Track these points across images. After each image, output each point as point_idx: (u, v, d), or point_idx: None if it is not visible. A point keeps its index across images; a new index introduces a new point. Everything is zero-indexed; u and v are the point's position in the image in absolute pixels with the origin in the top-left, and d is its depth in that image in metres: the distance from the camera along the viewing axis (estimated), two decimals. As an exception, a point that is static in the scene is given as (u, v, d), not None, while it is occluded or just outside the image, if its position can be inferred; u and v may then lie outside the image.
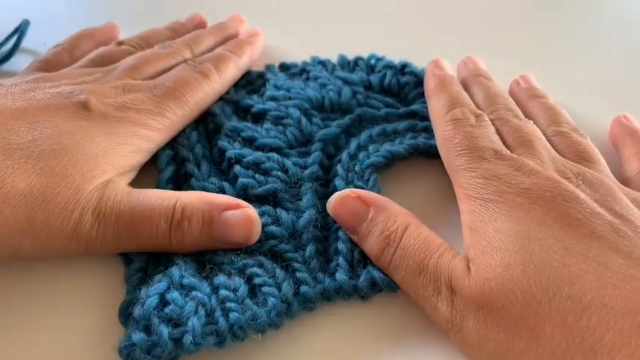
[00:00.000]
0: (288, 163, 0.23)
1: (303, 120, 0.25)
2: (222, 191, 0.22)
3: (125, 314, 0.18)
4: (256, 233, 0.20)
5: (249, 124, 0.25)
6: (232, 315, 0.17)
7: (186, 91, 0.24)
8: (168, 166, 0.23)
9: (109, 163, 0.20)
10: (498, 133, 0.22)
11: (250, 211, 0.20)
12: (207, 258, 0.20)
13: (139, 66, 0.25)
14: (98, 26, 0.31)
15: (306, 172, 0.23)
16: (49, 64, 0.27)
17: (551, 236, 0.16)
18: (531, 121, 0.23)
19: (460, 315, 0.17)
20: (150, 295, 0.17)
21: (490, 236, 0.17)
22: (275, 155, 0.23)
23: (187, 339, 0.16)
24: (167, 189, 0.22)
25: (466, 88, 0.27)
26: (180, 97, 0.24)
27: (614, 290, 0.15)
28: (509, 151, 0.21)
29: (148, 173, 0.23)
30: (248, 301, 0.18)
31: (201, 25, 0.32)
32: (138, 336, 0.16)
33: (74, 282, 0.20)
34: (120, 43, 0.28)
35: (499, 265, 0.16)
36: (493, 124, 0.23)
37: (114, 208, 0.19)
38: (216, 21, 0.32)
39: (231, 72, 0.27)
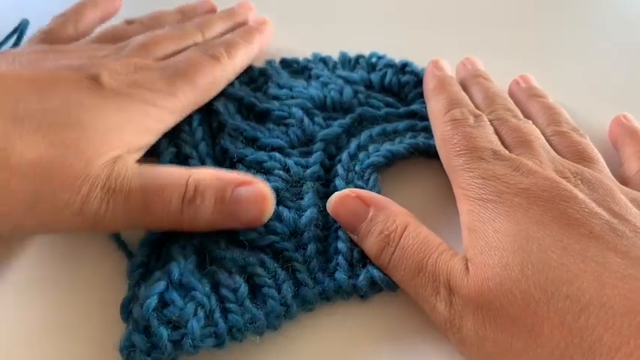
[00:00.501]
0: (289, 162, 0.23)
1: (306, 120, 0.25)
2: None
3: (127, 310, 0.18)
4: (269, 211, 0.19)
5: (252, 124, 0.25)
6: (231, 317, 0.17)
7: (197, 74, 0.23)
8: (171, 164, 0.23)
9: (119, 140, 0.20)
10: (497, 133, 0.22)
11: (263, 186, 0.19)
12: (208, 252, 0.20)
13: (150, 45, 0.25)
14: None
15: (308, 171, 0.23)
16: (54, 35, 0.26)
17: (549, 236, 0.16)
18: (530, 121, 0.23)
19: (459, 315, 0.17)
20: (149, 295, 0.17)
21: (488, 236, 0.17)
22: (277, 155, 0.23)
23: (187, 341, 0.16)
24: None
25: (465, 88, 0.27)
26: (192, 79, 0.23)
27: (613, 290, 0.15)
28: (507, 151, 0.21)
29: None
30: (247, 303, 0.18)
31: (211, 10, 0.31)
32: (137, 337, 0.17)
33: (76, 277, 0.20)
34: (130, 22, 0.28)
35: (497, 265, 0.16)
36: (492, 124, 0.23)
37: (125, 183, 0.18)
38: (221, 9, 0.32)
39: (241, 58, 0.27)
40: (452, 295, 0.17)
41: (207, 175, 0.19)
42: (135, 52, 0.24)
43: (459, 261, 0.18)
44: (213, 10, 0.32)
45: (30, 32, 0.32)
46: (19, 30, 0.31)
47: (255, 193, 0.19)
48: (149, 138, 0.22)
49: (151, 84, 0.22)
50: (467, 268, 0.17)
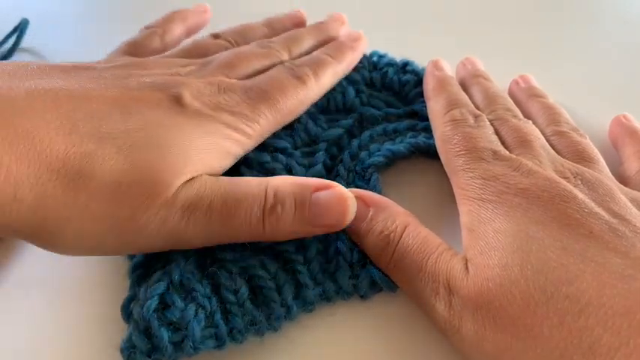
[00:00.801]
0: (292, 163, 0.23)
1: (310, 123, 0.25)
2: None
3: (128, 310, 0.18)
4: (351, 213, 0.19)
5: None
6: (232, 318, 0.18)
7: (281, 97, 0.23)
8: None
9: (199, 162, 0.19)
10: (497, 133, 0.22)
11: (343, 190, 0.19)
12: (209, 253, 0.19)
13: (235, 63, 0.24)
14: (189, 9, 0.29)
15: (310, 171, 0.23)
16: (140, 48, 0.26)
17: (549, 236, 0.16)
18: (530, 121, 0.23)
19: (458, 315, 0.17)
20: (149, 296, 0.17)
21: (488, 236, 0.17)
22: (280, 155, 0.23)
23: (187, 343, 0.16)
24: None
25: (465, 88, 0.27)
26: (275, 103, 0.22)
27: (612, 290, 0.15)
28: (507, 152, 0.21)
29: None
30: (248, 304, 0.18)
31: (300, 23, 0.30)
32: (138, 339, 0.17)
33: (77, 276, 0.20)
34: (216, 37, 0.27)
35: (497, 265, 0.16)
36: (492, 124, 0.23)
37: (206, 196, 0.18)
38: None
39: (329, 79, 0.25)
40: (451, 296, 0.17)
41: (285, 182, 0.19)
42: (219, 70, 0.23)
43: (459, 261, 0.18)
44: (302, 23, 0.30)
45: (30, 32, 0.32)
46: (19, 30, 0.31)
47: (335, 196, 0.19)
48: (228, 162, 0.21)
49: (234, 107, 0.21)
50: (466, 268, 0.17)
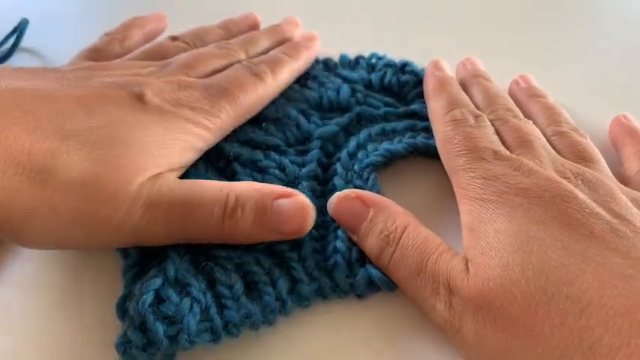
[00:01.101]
0: (285, 161, 0.23)
1: (301, 119, 0.25)
2: None
3: (122, 309, 0.18)
4: (310, 222, 0.19)
5: (246, 127, 0.25)
6: (227, 312, 0.18)
7: (240, 93, 0.23)
8: None
9: (162, 158, 0.20)
10: (498, 133, 0.22)
11: (304, 199, 0.19)
12: (204, 251, 0.20)
13: (194, 63, 0.25)
14: (147, 16, 0.30)
15: (304, 170, 0.23)
16: (100, 53, 0.26)
17: (550, 236, 0.16)
18: (531, 121, 0.23)
19: (458, 315, 0.17)
20: (145, 291, 0.17)
21: (489, 236, 0.17)
22: (273, 153, 0.23)
23: (182, 337, 0.16)
24: None
25: (465, 88, 0.27)
26: (235, 98, 0.23)
27: (613, 290, 0.14)
28: (508, 152, 0.21)
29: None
30: (243, 298, 0.18)
31: (254, 25, 0.31)
32: (133, 333, 0.17)
33: (72, 276, 0.20)
34: (174, 39, 0.28)
35: (498, 266, 0.16)
36: (492, 124, 0.23)
37: (166, 196, 0.19)
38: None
39: (286, 76, 0.26)
40: (452, 296, 0.17)
41: (247, 187, 0.19)
42: (179, 70, 0.24)
43: (459, 261, 0.18)
44: (256, 26, 0.31)
45: (30, 32, 0.32)
46: (19, 29, 0.31)
47: (296, 204, 0.19)
48: (190, 156, 0.22)
49: (194, 102, 0.22)
50: (467, 268, 0.17)
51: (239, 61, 0.26)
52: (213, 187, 0.19)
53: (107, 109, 0.20)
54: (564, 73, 0.31)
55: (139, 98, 0.21)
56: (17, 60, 0.31)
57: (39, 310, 0.19)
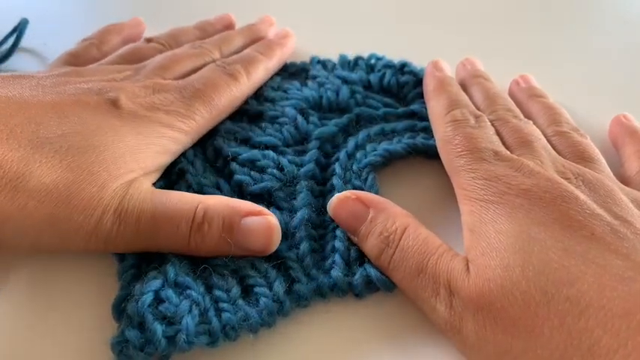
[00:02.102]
0: (283, 161, 0.23)
1: (299, 118, 0.25)
2: (217, 187, 0.22)
3: (118, 310, 0.18)
4: (275, 242, 0.19)
5: (245, 125, 0.25)
6: (225, 315, 0.18)
7: (214, 94, 0.24)
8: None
9: (135, 163, 0.20)
10: (498, 133, 0.22)
11: (272, 219, 0.19)
12: (201, 259, 0.19)
13: (169, 65, 0.25)
14: (125, 22, 0.31)
15: (302, 170, 0.23)
16: (78, 58, 0.27)
17: (551, 237, 0.16)
18: (531, 122, 0.23)
19: (459, 316, 0.17)
20: (144, 292, 0.17)
21: (490, 237, 0.17)
22: (271, 153, 0.23)
23: (181, 337, 0.16)
24: (160, 184, 0.22)
25: (465, 89, 0.27)
26: (209, 100, 0.23)
27: (612, 292, 0.15)
28: (509, 152, 0.21)
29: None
30: (240, 302, 0.18)
31: (230, 25, 0.32)
32: (131, 332, 0.17)
33: (67, 277, 0.20)
34: (149, 41, 0.28)
35: (498, 266, 0.16)
36: (493, 124, 0.23)
37: (136, 207, 0.19)
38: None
39: (260, 75, 0.27)
40: (452, 297, 0.17)
41: (218, 202, 0.20)
42: (153, 73, 0.24)
43: (460, 262, 0.18)
44: (231, 26, 0.32)
45: (30, 32, 0.32)
46: (19, 29, 0.31)
47: (263, 224, 0.19)
48: (165, 159, 0.22)
49: (168, 105, 0.22)
50: (467, 269, 0.17)
51: (213, 61, 0.26)
52: (183, 199, 0.20)
53: (81, 115, 0.20)
54: (564, 73, 0.31)
55: (114, 103, 0.21)
56: (17, 60, 0.31)
57: (35, 312, 0.19)
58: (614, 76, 0.31)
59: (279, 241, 0.20)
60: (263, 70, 0.27)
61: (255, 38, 0.30)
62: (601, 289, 0.15)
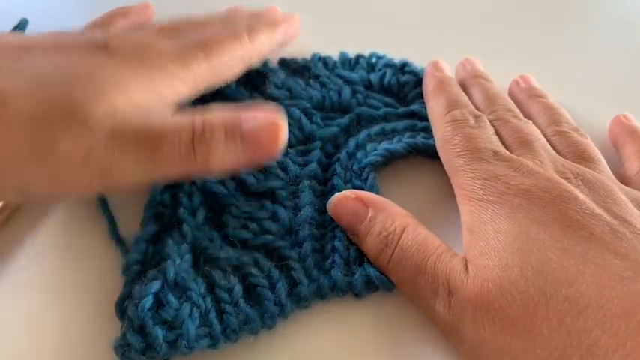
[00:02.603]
0: (286, 161, 0.23)
1: (304, 120, 0.25)
2: (222, 184, 0.22)
3: (122, 308, 0.18)
4: (283, 137, 0.18)
5: None
6: (226, 318, 0.18)
7: (215, 46, 0.22)
8: None
9: (123, 96, 0.18)
10: (497, 133, 0.22)
11: (272, 114, 0.18)
12: (203, 250, 0.20)
13: (168, 29, 0.23)
14: (132, 5, 0.28)
15: (305, 170, 0.23)
16: None
17: (549, 237, 0.16)
18: (531, 122, 0.23)
19: (457, 316, 0.17)
20: (144, 295, 0.17)
21: (489, 237, 0.17)
22: None
23: (181, 342, 0.17)
24: (162, 182, 0.22)
25: (465, 89, 0.27)
26: (208, 51, 0.21)
27: (611, 292, 0.15)
28: (508, 152, 0.21)
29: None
30: (242, 303, 0.18)
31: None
32: (132, 337, 0.17)
33: (71, 275, 0.20)
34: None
35: (497, 266, 0.16)
36: (492, 124, 0.23)
37: (130, 130, 0.17)
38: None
39: (264, 42, 0.25)
40: (451, 297, 0.17)
41: (214, 110, 0.18)
42: (154, 32, 0.23)
43: (459, 262, 0.18)
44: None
45: (30, 32, 0.32)
46: (19, 29, 0.31)
47: (266, 119, 0.18)
48: (158, 102, 0.19)
49: (162, 48, 0.20)
50: (466, 269, 0.17)
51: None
52: (177, 114, 0.18)
53: (68, 53, 0.19)
54: (564, 73, 0.31)
55: (103, 47, 0.20)
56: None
57: (38, 310, 0.19)
58: (614, 76, 0.31)
59: (286, 136, 0.18)
60: (267, 38, 0.25)
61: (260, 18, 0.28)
62: (600, 289, 0.15)
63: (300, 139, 0.24)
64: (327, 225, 0.21)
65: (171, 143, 0.17)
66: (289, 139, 0.24)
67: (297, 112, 0.25)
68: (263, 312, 0.18)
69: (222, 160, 0.18)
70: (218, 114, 0.18)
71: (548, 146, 0.22)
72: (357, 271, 0.20)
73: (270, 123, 0.18)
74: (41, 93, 0.17)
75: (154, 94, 0.19)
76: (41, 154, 0.16)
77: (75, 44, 0.20)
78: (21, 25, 0.32)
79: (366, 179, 0.23)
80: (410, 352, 0.18)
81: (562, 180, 0.19)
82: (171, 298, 0.17)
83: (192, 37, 0.22)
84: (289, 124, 0.25)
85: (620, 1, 0.38)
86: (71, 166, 0.17)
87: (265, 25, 0.26)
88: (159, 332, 0.16)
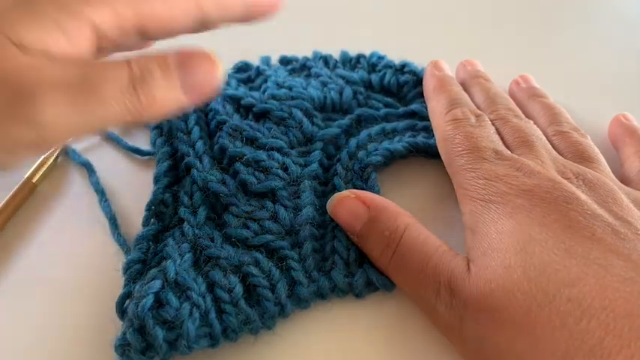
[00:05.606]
0: (288, 161, 0.23)
1: (305, 121, 0.25)
2: (224, 183, 0.22)
3: (122, 307, 0.18)
4: (219, 70, 0.17)
5: (252, 124, 0.25)
6: (226, 318, 0.18)
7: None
8: (164, 162, 0.23)
9: (15, 35, 0.15)
10: (498, 133, 0.22)
11: (206, 49, 0.17)
12: (203, 250, 0.19)
13: None
14: None
15: (306, 170, 0.23)
16: None
17: (552, 238, 0.16)
18: (531, 121, 0.23)
19: (459, 317, 0.17)
20: (144, 294, 0.17)
21: (491, 237, 0.17)
22: (276, 154, 0.23)
23: (181, 342, 0.16)
24: (164, 181, 0.22)
25: (465, 89, 0.27)
26: None
27: (614, 293, 0.15)
28: (509, 152, 0.21)
29: (146, 171, 0.23)
30: (242, 303, 0.18)
31: None
32: (133, 336, 0.17)
33: (72, 274, 0.20)
34: None
35: (499, 267, 0.16)
36: (493, 124, 0.23)
37: (56, 71, 0.15)
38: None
39: None
40: (452, 297, 0.17)
41: (143, 53, 0.17)
42: None
43: (460, 262, 0.18)
44: None
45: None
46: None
47: (198, 51, 0.17)
48: (67, 43, 0.16)
49: None
50: (468, 269, 0.17)
51: None
52: (110, 60, 0.16)
53: None
54: (564, 73, 0.31)
55: None
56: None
57: (39, 309, 0.19)
58: (614, 76, 0.31)
59: (222, 71, 0.17)
60: None
61: None
62: (603, 290, 0.15)
63: (301, 140, 0.24)
64: (326, 225, 0.21)
65: (112, 87, 0.15)
66: (291, 140, 0.24)
67: (298, 113, 0.25)
68: (263, 312, 0.18)
69: (166, 100, 0.16)
70: (152, 55, 0.17)
71: (549, 146, 0.22)
72: (357, 273, 0.19)
73: (201, 52, 0.17)
74: None
75: (56, 25, 0.16)
76: None
77: None
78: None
79: (367, 179, 0.23)
80: (410, 352, 0.18)
81: (563, 180, 0.19)
82: (171, 297, 0.17)
83: None
84: (291, 125, 0.25)
85: (620, 1, 0.38)
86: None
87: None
88: (159, 332, 0.16)
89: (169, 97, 0.17)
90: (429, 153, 0.24)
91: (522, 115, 0.24)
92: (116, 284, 0.19)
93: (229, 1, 0.20)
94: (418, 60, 0.29)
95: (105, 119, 0.16)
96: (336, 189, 0.22)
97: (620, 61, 0.32)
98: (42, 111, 0.15)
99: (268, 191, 0.22)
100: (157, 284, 0.18)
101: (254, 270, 0.19)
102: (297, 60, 0.30)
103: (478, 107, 0.25)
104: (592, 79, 0.31)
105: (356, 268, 0.20)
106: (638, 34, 0.35)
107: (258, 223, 0.21)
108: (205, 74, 0.17)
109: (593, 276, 0.15)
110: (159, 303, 0.17)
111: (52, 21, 0.16)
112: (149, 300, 0.17)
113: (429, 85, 0.26)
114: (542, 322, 0.15)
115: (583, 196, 0.18)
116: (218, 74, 0.17)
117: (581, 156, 0.21)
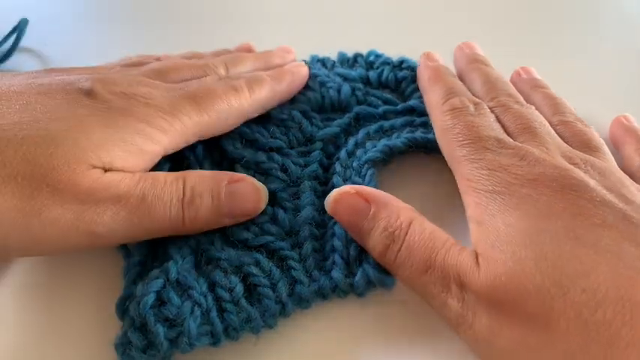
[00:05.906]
0: (288, 162, 0.23)
1: (304, 121, 0.25)
2: None
3: (122, 308, 0.18)
4: (264, 200, 0.21)
5: (252, 125, 0.25)
6: (227, 316, 0.17)
7: (207, 99, 0.21)
8: (164, 165, 0.23)
9: (99, 160, 0.18)
10: (499, 120, 0.22)
11: (254, 180, 0.21)
12: (204, 252, 0.19)
13: (165, 70, 0.22)
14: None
15: (306, 170, 0.23)
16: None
17: (561, 227, 0.16)
18: (533, 107, 0.23)
19: (471, 311, 0.16)
20: (146, 293, 0.17)
21: (499, 230, 0.17)
22: (276, 155, 0.23)
23: (183, 340, 0.16)
24: None
25: (463, 75, 0.26)
26: (200, 102, 0.21)
27: (629, 281, 0.14)
28: (512, 139, 0.20)
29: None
30: (243, 302, 0.18)
31: (247, 51, 0.29)
32: (134, 335, 0.16)
33: (72, 276, 0.20)
34: (157, 58, 0.26)
35: (510, 259, 0.16)
36: (493, 111, 0.22)
37: (122, 190, 0.18)
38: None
39: (265, 94, 0.24)
40: (464, 291, 0.17)
41: (201, 175, 0.20)
42: (146, 74, 0.22)
43: (469, 256, 0.17)
44: (249, 52, 0.29)
45: (30, 32, 0.32)
46: (19, 29, 0.31)
47: (248, 186, 0.20)
48: (140, 160, 0.19)
49: (150, 99, 0.20)
50: (477, 262, 0.17)
51: (216, 75, 0.24)
52: (168, 178, 0.19)
53: (44, 104, 0.18)
54: (564, 72, 0.31)
55: (87, 93, 0.19)
56: (17, 60, 0.31)
57: (39, 310, 0.19)
58: (614, 76, 0.31)
59: (266, 200, 0.21)
60: (269, 90, 0.24)
61: (268, 64, 0.27)
62: (617, 279, 0.14)
63: (301, 140, 0.24)
64: (326, 224, 0.21)
65: (163, 208, 0.18)
66: (290, 140, 0.24)
67: (298, 114, 0.25)
68: (264, 311, 0.18)
69: (206, 222, 0.19)
70: (206, 178, 0.20)
71: (553, 132, 0.21)
72: (357, 272, 0.19)
73: (253, 187, 0.20)
74: (16, 155, 0.17)
75: (136, 155, 0.19)
76: (25, 218, 0.16)
77: (56, 89, 0.19)
78: (21, 25, 0.32)
79: (365, 175, 0.22)
80: (411, 353, 0.18)
81: (570, 166, 0.18)
82: (173, 296, 0.17)
83: (184, 86, 0.22)
84: (290, 126, 0.25)
85: (620, 1, 0.39)
86: (57, 228, 0.17)
87: (269, 76, 0.25)
88: (160, 330, 0.16)
89: (212, 220, 0.19)
90: (428, 148, 0.24)
91: (524, 102, 0.23)
92: (115, 285, 0.19)
93: (267, 103, 0.25)
94: (416, 58, 0.29)
95: (149, 233, 0.19)
96: (334, 187, 0.22)
97: (620, 61, 0.33)
98: (102, 223, 0.17)
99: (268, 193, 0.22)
100: (158, 283, 0.18)
101: (254, 270, 0.19)
102: None
103: (476, 93, 0.24)
104: (592, 78, 0.31)
105: (356, 268, 0.19)
106: (639, 34, 0.35)
107: (257, 226, 0.20)
108: (250, 204, 0.20)
109: (606, 264, 0.15)
110: (160, 301, 0.17)
111: (136, 147, 0.19)
112: (150, 298, 0.17)
113: (423, 77, 0.26)
114: (556, 315, 0.14)
115: (592, 182, 0.17)
116: (262, 203, 0.21)
117: (587, 145, 0.21)
